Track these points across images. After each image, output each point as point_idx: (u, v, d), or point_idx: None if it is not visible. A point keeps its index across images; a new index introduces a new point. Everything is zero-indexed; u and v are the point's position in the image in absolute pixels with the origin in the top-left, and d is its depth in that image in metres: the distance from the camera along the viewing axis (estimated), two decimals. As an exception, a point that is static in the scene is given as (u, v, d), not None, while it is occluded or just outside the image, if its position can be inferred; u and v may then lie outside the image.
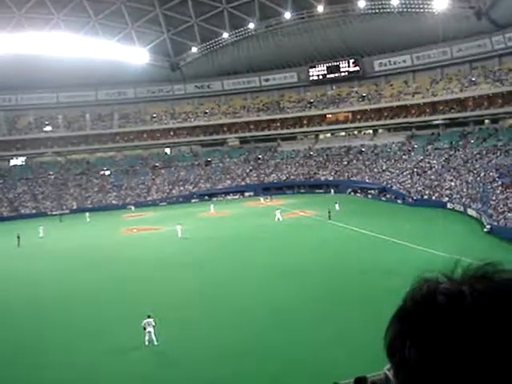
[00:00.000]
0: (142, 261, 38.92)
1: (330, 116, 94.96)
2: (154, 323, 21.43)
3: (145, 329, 21.36)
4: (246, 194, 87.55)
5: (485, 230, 43.14)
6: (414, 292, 1.08)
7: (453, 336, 0.97)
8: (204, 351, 20.32)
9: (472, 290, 1.01)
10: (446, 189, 62.65)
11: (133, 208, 80.00)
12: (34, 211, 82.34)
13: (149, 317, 21.49)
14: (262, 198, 77.50)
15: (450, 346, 0.97)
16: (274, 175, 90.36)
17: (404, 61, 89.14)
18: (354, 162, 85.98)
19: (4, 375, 19.25)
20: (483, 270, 1.05)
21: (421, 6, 78.42)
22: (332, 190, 79.42)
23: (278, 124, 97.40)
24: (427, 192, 64.74)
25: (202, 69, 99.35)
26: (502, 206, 46.57)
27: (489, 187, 54.10)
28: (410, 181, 70.36)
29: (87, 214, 72.75)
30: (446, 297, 1.02)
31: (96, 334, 23.17)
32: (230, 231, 51.01)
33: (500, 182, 53.39)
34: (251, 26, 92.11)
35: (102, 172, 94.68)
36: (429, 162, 73.43)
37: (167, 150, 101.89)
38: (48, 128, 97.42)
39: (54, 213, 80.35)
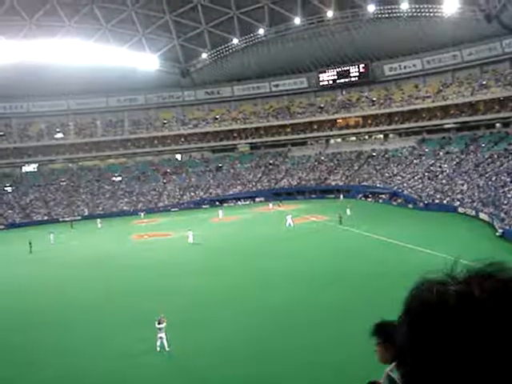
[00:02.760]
0: (152, 267, 38.90)
1: (340, 121, 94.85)
2: (165, 328, 21.29)
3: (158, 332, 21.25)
4: (257, 199, 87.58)
5: (497, 234, 42.82)
6: (423, 294, 1.04)
7: (468, 339, 0.94)
8: (216, 356, 20.25)
9: (481, 289, 0.99)
10: (458, 193, 62.30)
11: (142, 215, 79.73)
12: (45, 218, 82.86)
13: (159, 323, 21.32)
14: (271, 204, 77.51)
15: (465, 349, 0.94)
16: (284, 181, 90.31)
17: (414, 65, 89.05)
18: (365, 166, 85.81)
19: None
20: (488, 270, 1.04)
21: (430, 10, 78.26)
22: (341, 196, 79.00)
23: (289, 129, 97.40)
24: (438, 196, 64.40)
25: (212, 75, 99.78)
26: (514, 210, 46.20)
27: (500, 191, 53.76)
28: (421, 185, 70.06)
29: (98, 220, 73.19)
30: (456, 299, 0.99)
31: (107, 340, 23.16)
32: (240, 236, 51.09)
33: (512, 186, 53.12)
34: (261, 31, 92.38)
35: (113, 178, 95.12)
36: (440, 166, 73.12)
37: (178, 156, 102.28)
38: (59, 135, 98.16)
39: (66, 219, 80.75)
